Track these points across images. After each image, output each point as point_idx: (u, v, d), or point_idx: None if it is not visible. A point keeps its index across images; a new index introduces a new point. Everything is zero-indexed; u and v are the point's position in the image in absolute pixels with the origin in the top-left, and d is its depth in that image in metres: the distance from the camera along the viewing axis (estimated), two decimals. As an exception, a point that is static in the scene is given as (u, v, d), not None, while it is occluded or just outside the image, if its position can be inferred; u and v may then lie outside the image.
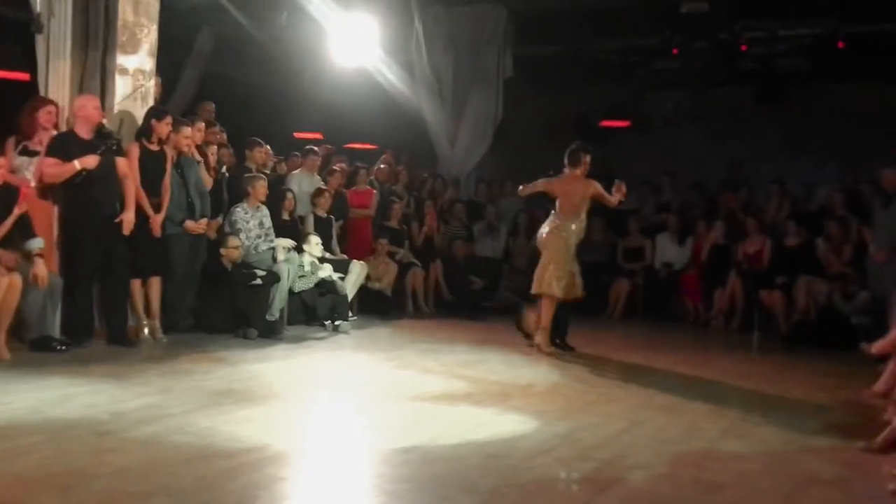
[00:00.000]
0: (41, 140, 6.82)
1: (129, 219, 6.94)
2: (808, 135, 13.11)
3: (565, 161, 7.77)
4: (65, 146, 6.74)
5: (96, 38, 7.29)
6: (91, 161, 6.71)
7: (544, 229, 7.81)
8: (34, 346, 6.40)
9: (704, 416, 5.50)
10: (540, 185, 7.91)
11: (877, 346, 6.50)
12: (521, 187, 8.20)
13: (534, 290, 7.69)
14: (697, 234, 11.20)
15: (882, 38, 10.97)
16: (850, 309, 9.00)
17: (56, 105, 6.97)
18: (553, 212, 7.83)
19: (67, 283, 6.66)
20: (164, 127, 7.27)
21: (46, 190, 6.84)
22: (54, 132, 6.88)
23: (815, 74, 11.95)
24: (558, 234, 7.68)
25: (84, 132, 6.83)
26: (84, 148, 6.76)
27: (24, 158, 6.82)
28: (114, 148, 6.88)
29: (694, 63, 12.15)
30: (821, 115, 12.87)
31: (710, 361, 7.99)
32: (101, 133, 6.88)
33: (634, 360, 7.63)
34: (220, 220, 8.25)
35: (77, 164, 6.67)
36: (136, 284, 7.20)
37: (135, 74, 7.43)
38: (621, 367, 7.19)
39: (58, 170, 6.70)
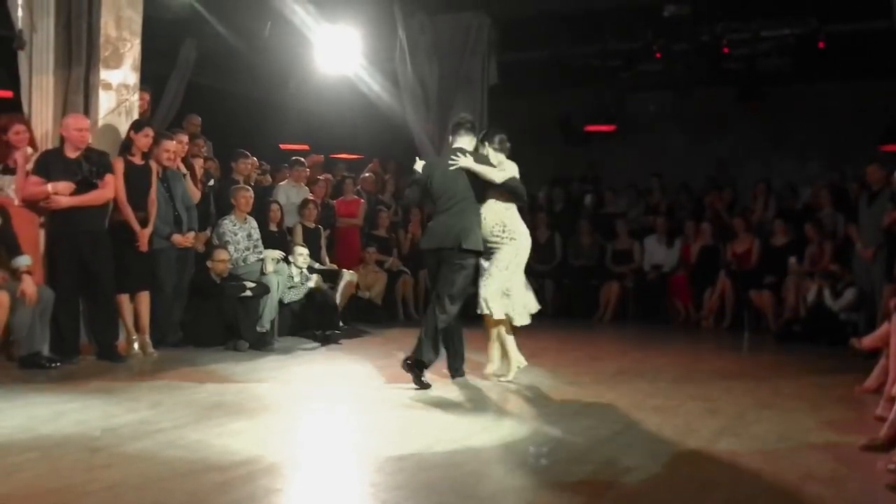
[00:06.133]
0: (16, 159, 6.78)
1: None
2: (790, 134, 13.21)
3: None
4: (48, 165, 6.73)
5: (79, 53, 7.27)
6: (64, 188, 6.70)
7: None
8: (23, 364, 6.36)
9: (698, 415, 5.51)
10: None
11: (866, 342, 6.56)
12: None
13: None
14: (685, 236, 11.24)
15: (862, 36, 11.05)
16: (838, 306, 9.05)
17: (24, 122, 6.92)
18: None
19: (54, 299, 6.61)
20: (142, 139, 7.24)
21: (32, 207, 6.81)
22: (29, 149, 6.83)
23: (797, 74, 12.03)
24: None
25: (70, 151, 6.82)
26: (68, 167, 6.75)
27: (6, 177, 6.79)
28: (94, 172, 6.85)
29: (677, 65, 12.21)
30: (803, 113, 12.98)
31: (702, 361, 8.01)
32: (87, 157, 6.87)
33: (626, 362, 7.65)
34: (207, 232, 8.23)
35: (50, 188, 6.67)
36: (124, 299, 7.17)
37: (118, 89, 7.40)
38: (614, 370, 7.19)
39: (34, 190, 6.71)
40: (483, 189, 6.40)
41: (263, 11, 10.53)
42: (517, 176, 6.44)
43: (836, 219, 10.02)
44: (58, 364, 6.45)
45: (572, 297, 11.62)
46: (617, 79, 12.79)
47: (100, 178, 6.85)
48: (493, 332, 6.50)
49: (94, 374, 6.37)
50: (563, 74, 12.87)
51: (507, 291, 6.38)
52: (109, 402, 5.42)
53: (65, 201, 6.72)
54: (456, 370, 6.55)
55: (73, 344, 6.81)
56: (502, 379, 6.47)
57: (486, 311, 6.37)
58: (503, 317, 6.40)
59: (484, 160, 6.44)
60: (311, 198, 9.61)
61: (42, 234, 6.90)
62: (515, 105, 13.28)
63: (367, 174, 11.33)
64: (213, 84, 12.44)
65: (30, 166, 6.74)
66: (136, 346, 7.22)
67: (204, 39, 11.35)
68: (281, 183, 9.90)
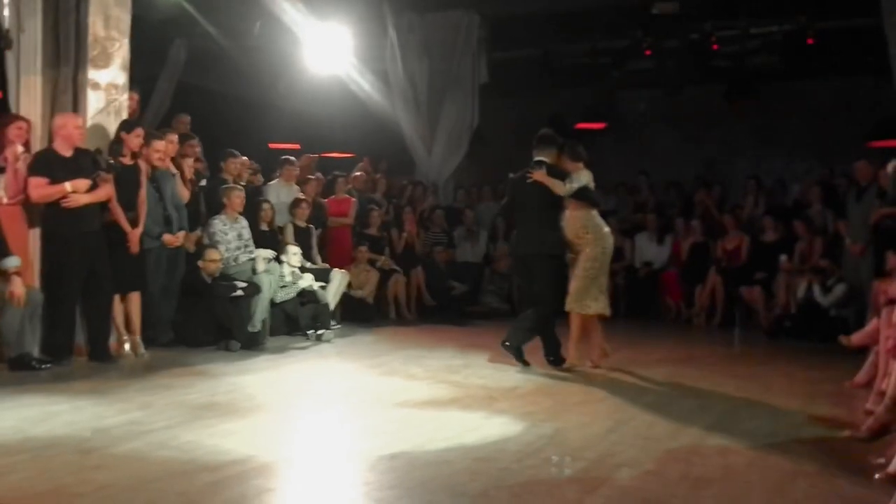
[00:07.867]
0: (7, 157, 6.74)
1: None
2: (779, 130, 13.26)
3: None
4: (49, 165, 6.68)
5: (67, 53, 7.22)
6: (82, 185, 6.69)
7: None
8: (13, 365, 6.32)
9: (689, 412, 5.53)
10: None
11: (856, 338, 6.59)
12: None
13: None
14: (676, 233, 11.27)
15: (850, 33, 11.10)
16: (829, 302, 9.09)
17: (27, 121, 6.89)
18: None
19: (52, 300, 6.59)
20: (133, 139, 7.22)
21: (21, 206, 6.76)
22: (20, 147, 6.79)
23: (787, 71, 12.07)
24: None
25: (64, 150, 6.78)
26: (66, 166, 6.71)
27: None
28: (109, 168, 6.89)
29: (666, 63, 12.24)
30: (792, 110, 13.02)
31: (693, 358, 8.04)
32: (93, 159, 6.85)
33: (618, 360, 7.65)
34: (198, 232, 8.20)
35: (68, 187, 6.64)
36: (115, 300, 7.14)
37: (107, 89, 7.36)
38: (605, 367, 7.19)
39: (47, 191, 6.65)
40: (561, 198, 6.88)
41: (253, 11, 10.53)
42: (588, 183, 6.88)
43: (826, 215, 10.06)
44: (48, 365, 6.41)
45: (564, 294, 11.61)
46: (607, 77, 12.82)
47: (110, 174, 6.86)
48: (588, 325, 7.02)
49: (85, 375, 6.35)
50: (553, 73, 12.90)
51: (600, 289, 6.94)
52: (100, 402, 5.41)
53: (83, 199, 6.71)
54: (553, 359, 7.02)
55: (67, 345, 6.77)
56: (590, 366, 7.01)
57: (569, 309, 6.92)
58: (587, 312, 6.92)
59: (558, 173, 6.88)
60: (302, 197, 9.60)
61: (31, 234, 6.85)
62: (505, 103, 13.31)
63: (357, 173, 11.32)
64: (202, 84, 12.42)
65: (20, 165, 6.69)
66: (126, 346, 7.20)
67: (193, 39, 11.35)
68: (271, 182, 9.87)
